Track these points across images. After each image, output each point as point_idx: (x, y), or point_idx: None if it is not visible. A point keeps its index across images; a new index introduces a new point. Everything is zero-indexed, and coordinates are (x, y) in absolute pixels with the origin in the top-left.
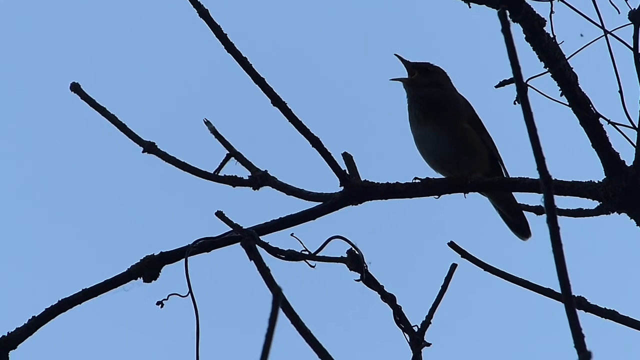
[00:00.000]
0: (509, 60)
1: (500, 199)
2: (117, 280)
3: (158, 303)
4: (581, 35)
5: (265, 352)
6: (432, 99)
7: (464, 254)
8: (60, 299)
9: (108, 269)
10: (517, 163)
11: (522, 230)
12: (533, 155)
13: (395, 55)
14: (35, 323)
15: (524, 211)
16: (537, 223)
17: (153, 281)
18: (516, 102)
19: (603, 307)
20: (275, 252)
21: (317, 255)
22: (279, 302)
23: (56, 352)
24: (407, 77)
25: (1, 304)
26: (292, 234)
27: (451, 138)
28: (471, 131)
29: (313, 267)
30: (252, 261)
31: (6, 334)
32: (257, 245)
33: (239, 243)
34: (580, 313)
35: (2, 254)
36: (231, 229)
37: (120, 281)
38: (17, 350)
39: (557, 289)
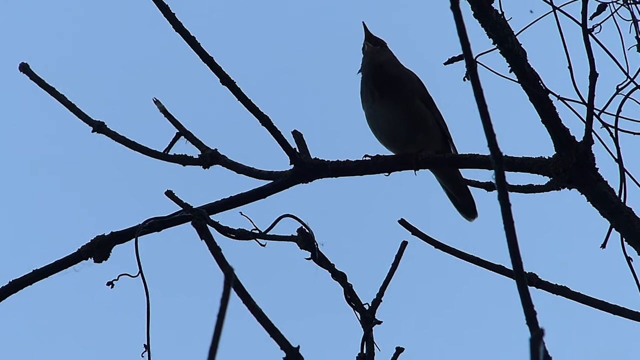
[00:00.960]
0: (458, 37)
1: (447, 177)
2: (68, 260)
3: (108, 284)
4: (531, 11)
5: (217, 332)
6: (389, 75)
7: (415, 232)
8: (10, 280)
9: (58, 250)
10: (468, 140)
11: (468, 211)
12: (483, 132)
13: (363, 23)
14: None
15: (474, 187)
16: (488, 199)
17: (104, 261)
18: (466, 78)
19: (554, 283)
20: (225, 231)
21: (267, 234)
22: (231, 282)
23: (6, 334)
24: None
25: None
26: (241, 213)
27: (406, 116)
28: (424, 109)
29: (264, 246)
30: (203, 241)
31: None
32: (207, 225)
33: (190, 222)
34: (532, 290)
35: None
36: (181, 209)
37: (71, 261)
38: None
39: (509, 265)
